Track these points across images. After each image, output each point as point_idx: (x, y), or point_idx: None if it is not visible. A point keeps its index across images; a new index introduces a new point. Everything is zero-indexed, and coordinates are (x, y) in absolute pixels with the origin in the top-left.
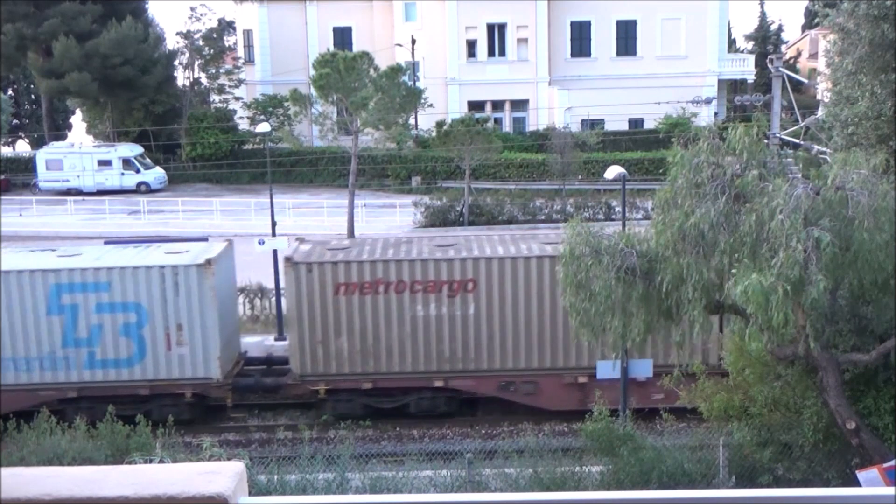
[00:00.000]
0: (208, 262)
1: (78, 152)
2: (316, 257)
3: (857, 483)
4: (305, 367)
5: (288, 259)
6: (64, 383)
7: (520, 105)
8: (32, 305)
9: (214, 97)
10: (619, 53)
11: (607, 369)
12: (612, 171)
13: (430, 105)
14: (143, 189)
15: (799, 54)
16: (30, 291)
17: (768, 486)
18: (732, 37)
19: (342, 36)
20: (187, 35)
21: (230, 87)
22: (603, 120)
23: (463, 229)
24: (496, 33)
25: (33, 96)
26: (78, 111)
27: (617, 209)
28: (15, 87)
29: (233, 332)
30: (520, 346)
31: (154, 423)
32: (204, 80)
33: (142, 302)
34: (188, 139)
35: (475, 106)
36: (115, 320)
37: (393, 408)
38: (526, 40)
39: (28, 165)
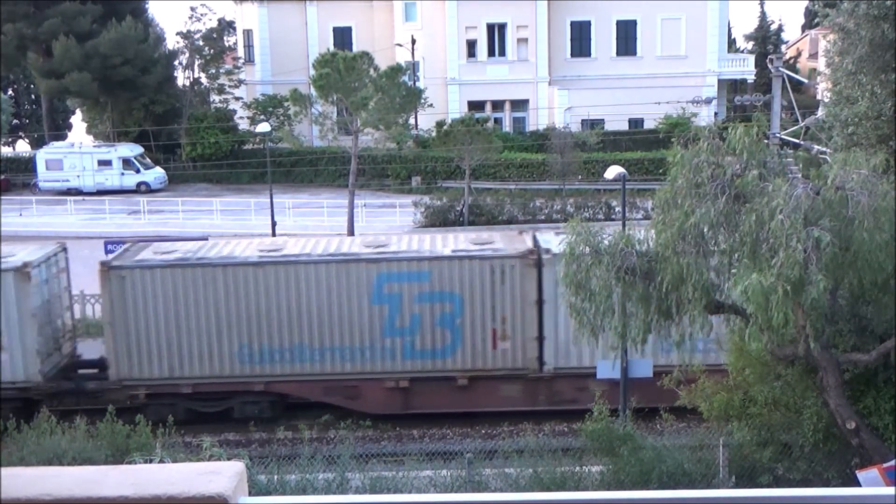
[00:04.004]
0: None
1: (78, 152)
2: None
3: (857, 483)
4: None
5: None
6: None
7: (520, 105)
8: None
9: (214, 97)
10: (619, 53)
11: (607, 369)
12: (612, 171)
13: (430, 105)
14: (143, 189)
15: (799, 54)
16: None
17: (768, 486)
18: (732, 37)
19: (342, 36)
20: (187, 35)
21: (230, 87)
22: (603, 120)
23: (463, 229)
24: (496, 33)
25: (33, 96)
26: (78, 111)
27: (617, 209)
28: (15, 87)
29: None
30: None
31: None
32: (204, 80)
33: None
34: (188, 139)
35: (475, 106)
36: None
37: None
38: (526, 40)
39: (28, 165)
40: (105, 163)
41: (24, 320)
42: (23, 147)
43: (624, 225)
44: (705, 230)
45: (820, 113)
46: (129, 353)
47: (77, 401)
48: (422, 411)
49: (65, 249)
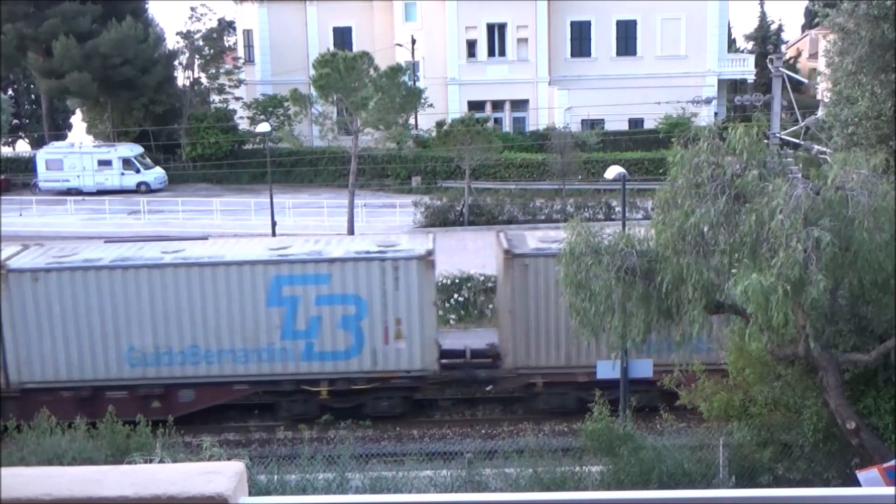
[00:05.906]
0: None
1: (78, 152)
2: None
3: (857, 483)
4: None
5: None
6: None
7: (520, 105)
8: None
9: (214, 97)
10: (619, 53)
11: (607, 369)
12: (612, 171)
13: (430, 105)
14: (143, 189)
15: (799, 54)
16: None
17: (768, 486)
18: (732, 37)
19: (342, 36)
20: (187, 35)
21: (230, 87)
22: (603, 120)
23: (463, 229)
24: (496, 33)
25: (33, 96)
26: (78, 111)
27: (617, 209)
28: (15, 87)
29: None
30: None
31: None
32: (204, 80)
33: None
34: (188, 139)
35: (475, 106)
36: None
37: None
38: (526, 40)
39: (28, 165)
40: (105, 163)
41: (425, 308)
42: (23, 147)
43: (624, 225)
44: (705, 230)
45: (820, 113)
46: (527, 340)
47: (470, 390)
48: None
49: None
